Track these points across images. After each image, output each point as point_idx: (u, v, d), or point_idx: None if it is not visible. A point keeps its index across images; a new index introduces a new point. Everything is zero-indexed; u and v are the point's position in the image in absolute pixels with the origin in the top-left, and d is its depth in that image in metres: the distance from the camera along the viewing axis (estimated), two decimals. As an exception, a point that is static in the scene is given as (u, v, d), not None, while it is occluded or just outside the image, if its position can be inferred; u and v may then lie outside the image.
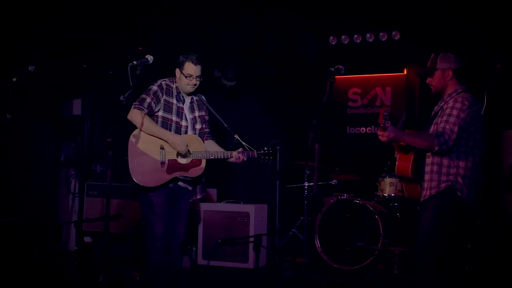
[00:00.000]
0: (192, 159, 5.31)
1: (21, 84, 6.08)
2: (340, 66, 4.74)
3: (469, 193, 4.68)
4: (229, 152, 5.36)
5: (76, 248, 8.35)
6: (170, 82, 5.44)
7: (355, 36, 8.74)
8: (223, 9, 8.28)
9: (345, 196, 7.62)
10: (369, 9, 8.22)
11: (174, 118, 5.39)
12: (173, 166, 5.29)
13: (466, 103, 4.66)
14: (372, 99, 9.23)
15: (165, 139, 5.27)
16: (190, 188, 5.48)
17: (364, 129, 9.22)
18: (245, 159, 5.37)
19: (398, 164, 4.91)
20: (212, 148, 5.50)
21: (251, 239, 7.30)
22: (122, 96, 4.85)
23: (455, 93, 4.83)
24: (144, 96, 5.32)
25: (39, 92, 8.44)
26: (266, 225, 7.82)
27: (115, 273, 7.02)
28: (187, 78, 5.30)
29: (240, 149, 5.39)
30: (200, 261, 7.51)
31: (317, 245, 7.41)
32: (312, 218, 7.77)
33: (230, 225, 7.56)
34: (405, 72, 9.02)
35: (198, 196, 5.58)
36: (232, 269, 7.38)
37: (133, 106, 5.28)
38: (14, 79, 6.00)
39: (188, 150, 5.29)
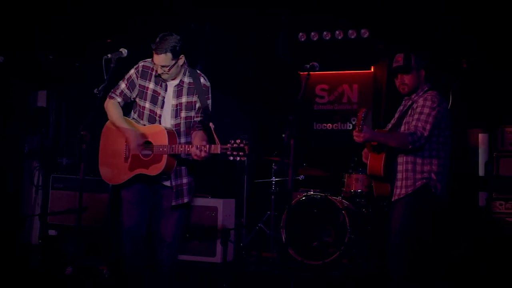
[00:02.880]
0: (153, 155, 4.68)
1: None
2: (315, 63, 4.74)
3: (442, 188, 4.80)
4: (188, 146, 4.58)
5: (40, 241, 8.26)
6: (152, 63, 4.79)
7: (324, 33, 8.80)
8: (194, 4, 8.26)
9: (312, 191, 7.68)
10: (339, 7, 8.29)
11: (147, 105, 4.81)
12: (135, 162, 4.76)
13: (436, 100, 4.78)
14: (339, 96, 9.31)
15: (122, 133, 4.79)
16: (168, 184, 4.84)
17: (331, 125, 9.29)
18: (203, 155, 4.46)
19: (370, 163, 4.95)
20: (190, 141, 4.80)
21: (219, 233, 7.32)
22: (96, 89, 4.73)
23: (421, 92, 4.95)
24: (120, 82, 4.92)
25: (3, 83, 8.33)
26: (233, 219, 7.85)
27: (80, 266, 6.97)
28: (155, 65, 4.71)
29: (202, 143, 4.54)
30: (168, 255, 7.49)
31: (283, 240, 7.46)
32: (279, 213, 7.82)
33: (198, 219, 7.56)
34: (372, 70, 9.13)
35: (185, 200, 4.87)
36: (199, 263, 7.39)
37: (108, 94, 4.93)
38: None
39: (151, 143, 4.71)
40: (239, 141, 4.32)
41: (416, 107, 4.83)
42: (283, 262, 7.35)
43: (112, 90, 4.93)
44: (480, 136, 7.48)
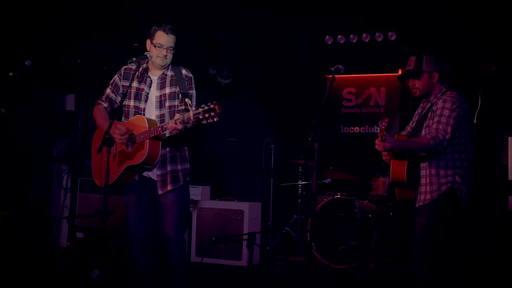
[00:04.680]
0: (137, 144, 4.74)
1: (18, 79, 6.01)
2: (340, 66, 4.69)
3: (467, 190, 4.74)
4: (164, 124, 4.60)
5: (68, 243, 8.33)
6: (134, 65, 4.93)
7: (351, 36, 8.74)
8: (220, 7, 8.26)
9: (338, 195, 7.63)
10: (366, 9, 8.23)
11: (132, 103, 4.91)
12: (122, 157, 4.83)
13: (456, 101, 4.71)
14: (367, 99, 9.25)
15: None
16: (154, 178, 4.86)
17: (358, 128, 9.23)
18: (181, 127, 4.49)
19: (392, 169, 4.91)
20: None
21: (245, 236, 7.31)
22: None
23: (440, 93, 4.87)
24: (105, 89, 5.06)
25: (33, 87, 8.42)
26: (259, 223, 7.84)
27: (107, 268, 7.01)
28: (157, 48, 4.80)
29: (176, 116, 4.55)
30: (194, 258, 7.51)
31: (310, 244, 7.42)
32: (306, 216, 7.79)
33: (224, 223, 7.57)
34: (400, 73, 9.03)
35: (169, 187, 4.85)
36: (225, 266, 7.40)
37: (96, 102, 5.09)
38: (11, 74, 5.91)
39: (134, 134, 4.76)
40: (209, 103, 4.33)
41: (436, 110, 4.77)
42: (309, 266, 7.31)
43: (100, 96, 5.08)
44: (510, 139, 7.37)
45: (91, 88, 9.27)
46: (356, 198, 7.46)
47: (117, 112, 4.94)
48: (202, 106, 4.36)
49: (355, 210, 7.40)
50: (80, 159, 9.11)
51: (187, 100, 4.53)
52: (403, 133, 5.15)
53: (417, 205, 4.82)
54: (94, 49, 8.85)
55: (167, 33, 4.80)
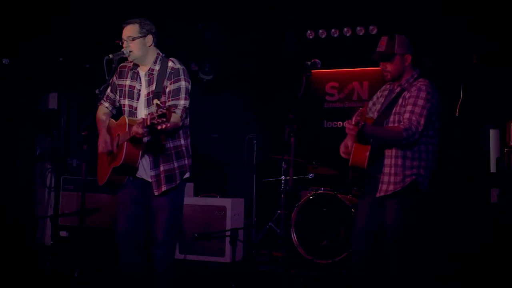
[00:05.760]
0: (119, 146, 4.67)
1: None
2: (317, 60, 4.64)
3: (427, 182, 4.63)
4: (131, 128, 4.48)
5: (51, 242, 8.29)
6: (127, 62, 4.92)
7: (333, 30, 8.75)
8: (201, 3, 8.24)
9: (321, 190, 7.62)
10: (347, 4, 8.24)
11: (126, 102, 4.84)
12: (111, 157, 4.76)
13: (430, 91, 4.57)
14: (350, 93, 9.26)
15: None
16: (148, 179, 4.77)
17: (341, 123, 9.23)
18: (142, 131, 4.32)
19: (354, 154, 4.67)
20: None
21: (228, 233, 7.30)
22: (97, 89, 4.78)
23: (411, 79, 4.73)
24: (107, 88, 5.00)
25: (15, 85, 8.37)
26: (243, 219, 7.83)
27: (90, 268, 6.98)
28: (122, 43, 4.77)
29: (140, 119, 4.40)
30: (177, 255, 7.41)
31: (293, 239, 7.42)
32: (289, 212, 7.78)
33: (206, 219, 7.55)
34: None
35: (164, 188, 4.72)
36: (208, 263, 7.38)
37: None
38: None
39: (119, 135, 4.70)
40: (162, 108, 4.12)
41: (409, 97, 4.58)
42: (293, 261, 7.30)
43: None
44: (491, 132, 7.37)
45: (74, 86, 9.24)
46: (338, 193, 7.45)
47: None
48: (156, 109, 4.17)
49: (338, 205, 7.40)
50: (63, 158, 9.06)
51: (155, 101, 4.30)
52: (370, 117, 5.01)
53: (378, 195, 4.64)
54: (94, 49, 8.81)
55: (124, 26, 4.77)
